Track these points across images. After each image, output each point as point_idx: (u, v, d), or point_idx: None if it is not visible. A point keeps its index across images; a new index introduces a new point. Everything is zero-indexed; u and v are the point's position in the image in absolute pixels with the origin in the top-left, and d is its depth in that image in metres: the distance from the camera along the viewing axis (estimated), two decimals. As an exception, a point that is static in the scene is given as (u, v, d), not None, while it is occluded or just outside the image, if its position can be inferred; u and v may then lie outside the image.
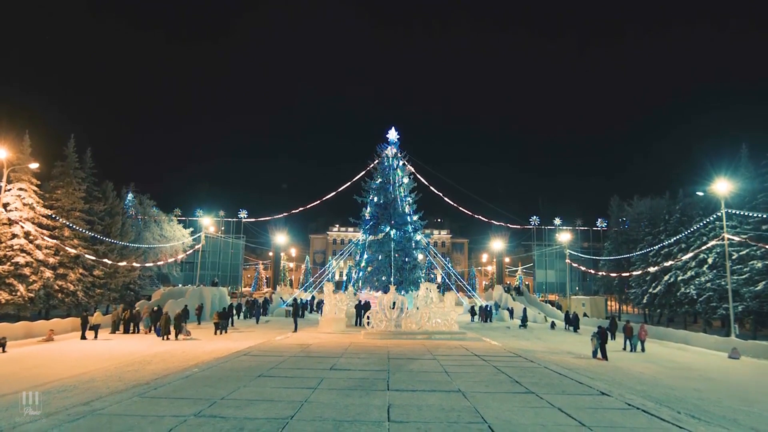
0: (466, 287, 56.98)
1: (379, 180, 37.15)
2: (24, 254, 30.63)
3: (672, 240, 37.95)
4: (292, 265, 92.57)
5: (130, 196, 49.49)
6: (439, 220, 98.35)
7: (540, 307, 44.99)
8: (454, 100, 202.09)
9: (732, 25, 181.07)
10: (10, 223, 30.47)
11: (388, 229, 35.41)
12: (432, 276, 63.81)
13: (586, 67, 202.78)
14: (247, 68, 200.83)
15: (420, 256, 40.65)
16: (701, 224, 34.98)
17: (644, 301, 44.55)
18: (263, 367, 12.77)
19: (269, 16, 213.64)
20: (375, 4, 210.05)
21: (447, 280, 51.64)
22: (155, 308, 26.11)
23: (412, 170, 39.68)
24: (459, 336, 22.78)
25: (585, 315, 40.66)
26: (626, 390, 11.61)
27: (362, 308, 27.08)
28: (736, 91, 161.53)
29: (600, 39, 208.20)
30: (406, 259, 35.55)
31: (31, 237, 31.21)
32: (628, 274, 43.75)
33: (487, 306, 37.94)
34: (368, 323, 23.72)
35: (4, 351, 17.27)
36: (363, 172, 39.39)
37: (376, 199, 36.84)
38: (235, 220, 65.73)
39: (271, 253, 79.52)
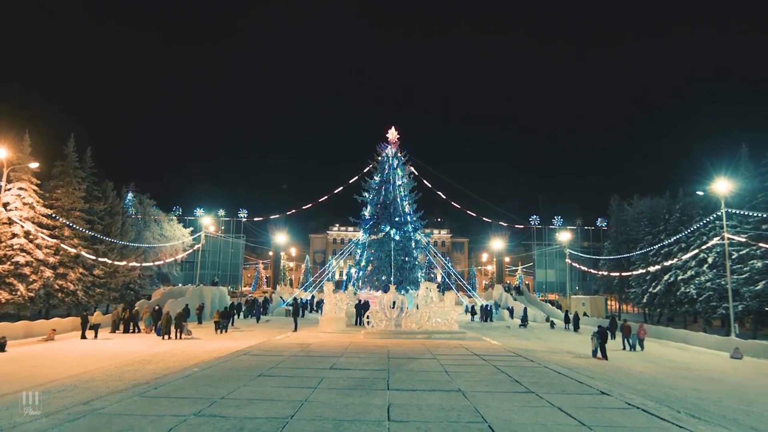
0: (466, 287, 56.97)
1: (379, 179, 37.19)
2: (24, 254, 30.64)
3: (672, 239, 37.94)
4: (292, 264, 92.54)
5: (130, 195, 49.49)
6: (438, 219, 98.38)
7: (540, 306, 45.00)
8: (454, 100, 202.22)
9: (732, 25, 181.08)
10: (10, 222, 30.47)
11: (388, 228, 35.43)
12: (432, 275, 63.81)
13: (586, 67, 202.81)
14: (247, 68, 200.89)
15: (420, 256, 40.71)
16: (701, 224, 34.99)
17: (644, 300, 44.56)
18: (263, 367, 12.78)
19: (269, 16, 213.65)
20: (375, 4, 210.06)
21: (447, 280, 51.66)
22: (156, 307, 26.13)
23: (412, 170, 39.72)
24: (459, 335, 22.79)
25: (585, 314, 40.63)
26: (626, 389, 11.61)
27: (362, 308, 27.09)
28: (736, 91, 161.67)
29: (600, 39, 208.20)
30: (406, 259, 35.60)
31: (31, 236, 31.21)
32: (628, 273, 43.75)
33: (487, 305, 37.95)
34: (368, 323, 23.74)
35: (3, 350, 17.27)
36: (363, 172, 39.46)
37: (376, 198, 36.88)
38: (235, 219, 65.76)
39: (271, 253, 79.52)
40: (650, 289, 43.05)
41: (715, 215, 31.47)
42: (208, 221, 53.82)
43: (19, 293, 29.74)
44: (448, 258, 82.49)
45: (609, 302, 58.48)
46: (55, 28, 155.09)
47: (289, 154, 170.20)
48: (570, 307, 42.59)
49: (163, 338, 21.82)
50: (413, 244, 36.68)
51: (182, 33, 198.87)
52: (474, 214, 52.72)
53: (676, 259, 37.87)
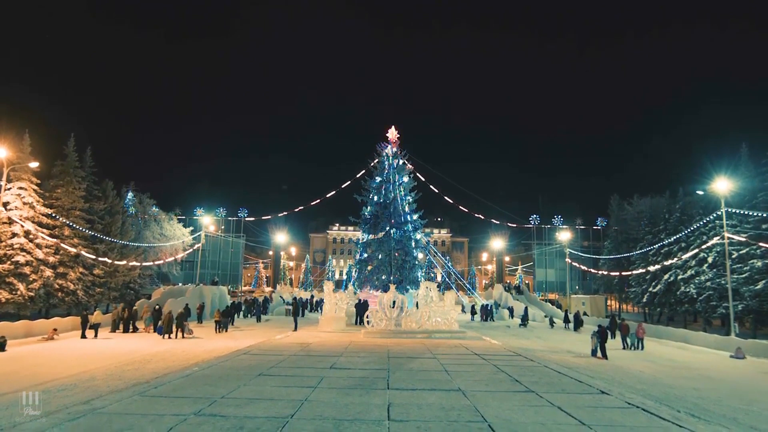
0: (466, 286, 57.04)
1: (379, 179, 37.14)
2: (24, 253, 30.64)
3: (672, 239, 37.94)
4: (292, 264, 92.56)
5: (130, 195, 49.44)
6: (439, 219, 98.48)
7: (540, 306, 45.00)
8: (454, 100, 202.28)
9: (732, 25, 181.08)
10: (10, 222, 30.46)
11: (388, 228, 35.40)
12: (432, 275, 63.83)
13: (586, 67, 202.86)
14: (247, 68, 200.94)
15: (420, 255, 40.66)
16: (701, 223, 34.99)
17: (644, 300, 44.57)
18: (263, 366, 12.78)
19: (269, 16, 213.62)
20: (375, 4, 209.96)
21: (447, 279, 51.68)
22: (156, 307, 26.14)
23: (412, 169, 39.68)
24: (459, 335, 22.78)
25: (585, 314, 40.69)
26: (626, 389, 11.62)
27: (362, 307, 27.10)
28: (736, 91, 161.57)
29: (600, 39, 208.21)
30: (406, 258, 35.54)
31: (31, 236, 31.21)
32: (628, 273, 43.76)
33: (487, 305, 37.94)
34: (368, 322, 23.74)
35: (3, 350, 17.27)
36: (363, 171, 39.44)
37: (376, 198, 36.83)
38: (235, 219, 65.75)
39: (271, 252, 79.57)
40: (650, 289, 43.06)
41: (715, 215, 31.47)
42: (208, 221, 53.83)
43: (19, 293, 29.75)
44: (448, 257, 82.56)
45: (609, 302, 58.51)
46: (55, 28, 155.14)
47: (289, 154, 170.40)
48: (570, 307, 42.61)
49: (165, 337, 21.82)
50: (413, 244, 36.63)
51: (182, 33, 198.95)
52: (474, 214, 52.71)
53: (676, 259, 37.88)
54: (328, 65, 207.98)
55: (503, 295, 45.35)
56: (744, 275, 33.43)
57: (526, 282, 72.49)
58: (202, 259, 46.85)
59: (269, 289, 70.13)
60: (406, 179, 37.66)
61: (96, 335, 21.91)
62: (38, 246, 31.46)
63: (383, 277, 34.37)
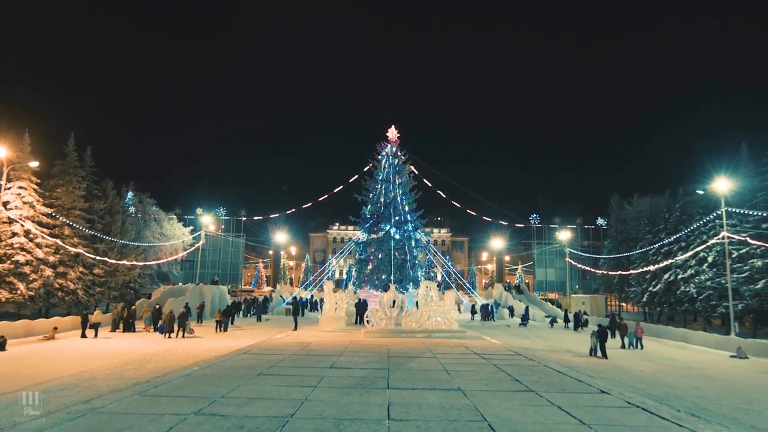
0: (466, 286, 57.02)
1: (379, 178, 37.15)
2: (24, 253, 30.64)
3: (672, 238, 37.93)
4: (292, 263, 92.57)
5: (130, 194, 49.40)
6: (439, 218, 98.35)
7: (540, 305, 45.00)
8: (454, 100, 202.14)
9: (732, 25, 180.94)
10: (10, 221, 30.47)
11: (388, 227, 35.41)
12: (432, 274, 63.79)
13: (586, 67, 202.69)
14: (247, 68, 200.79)
15: (420, 255, 40.67)
16: (701, 223, 34.99)
17: (644, 299, 44.58)
18: (263, 366, 12.78)
19: (269, 16, 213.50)
20: (375, 4, 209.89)
21: (447, 279, 51.68)
22: (156, 306, 26.16)
23: (412, 168, 39.69)
24: (459, 334, 22.79)
25: (585, 313, 40.74)
26: (626, 388, 11.62)
27: (362, 307, 27.13)
28: (736, 91, 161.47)
29: (600, 39, 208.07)
30: (406, 258, 35.56)
31: (31, 235, 31.22)
32: (628, 272, 43.77)
33: (487, 304, 37.95)
34: (368, 321, 23.75)
35: (4, 349, 17.28)
36: (363, 171, 39.44)
37: (376, 197, 36.85)
38: (235, 218, 65.71)
39: (271, 252, 79.55)
40: (650, 288, 43.06)
41: (715, 214, 31.47)
42: (208, 220, 53.79)
43: (19, 292, 29.75)
44: (448, 257, 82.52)
45: (609, 301, 58.51)
46: (55, 28, 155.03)
47: (289, 153, 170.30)
48: (570, 306, 42.61)
49: (166, 337, 21.82)
50: (413, 243, 36.65)
51: (182, 33, 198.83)
52: (474, 213, 52.70)
53: (676, 258, 37.89)
54: (328, 65, 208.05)
55: (503, 294, 45.36)
56: (744, 275, 33.43)
57: (526, 281, 72.47)
58: (202, 258, 46.84)
59: (269, 288, 70.15)
60: (406, 178, 37.66)
61: (96, 335, 21.92)
62: (38, 245, 31.46)
63: (383, 277, 34.38)
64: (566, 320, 33.48)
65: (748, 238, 30.77)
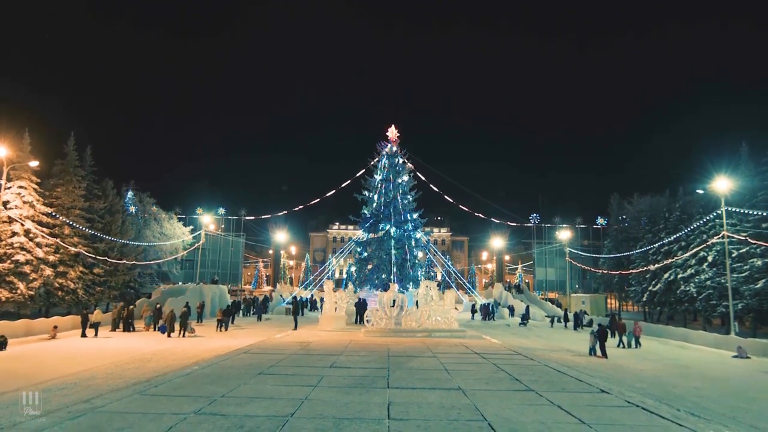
0: (466, 285, 57.04)
1: (379, 178, 37.15)
2: (24, 252, 30.62)
3: (672, 238, 37.91)
4: (292, 263, 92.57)
5: (130, 194, 49.36)
6: (439, 218, 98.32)
7: (540, 305, 45.01)
8: (454, 100, 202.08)
9: (732, 25, 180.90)
10: (10, 221, 30.46)
11: (388, 226, 35.43)
12: (432, 274, 63.78)
13: (586, 67, 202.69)
14: (247, 68, 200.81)
15: (420, 254, 40.67)
16: (701, 222, 34.97)
17: (644, 298, 44.56)
18: (263, 365, 12.79)
19: (269, 16, 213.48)
20: (375, 4, 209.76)
21: (447, 278, 51.70)
22: (157, 305, 26.17)
23: (412, 168, 39.70)
24: (459, 334, 22.79)
25: (585, 313, 40.77)
26: (626, 387, 11.62)
27: (362, 306, 27.15)
28: (736, 91, 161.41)
29: (600, 39, 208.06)
30: (406, 257, 35.57)
31: (31, 235, 31.20)
32: (628, 272, 43.77)
33: (488, 304, 37.96)
34: (368, 321, 23.75)
35: (4, 349, 17.28)
36: (363, 170, 39.46)
37: (376, 197, 36.85)
38: (235, 218, 65.67)
39: (271, 251, 79.50)
40: (650, 288, 43.04)
41: (715, 213, 31.45)
42: (208, 219, 53.78)
43: (19, 291, 29.74)
44: (448, 256, 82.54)
45: (609, 300, 58.49)
46: (55, 28, 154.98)
47: (289, 153, 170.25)
48: (570, 306, 42.61)
49: (168, 336, 21.83)
50: (413, 243, 36.66)
51: (182, 33, 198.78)
52: (474, 212, 52.66)
53: (675, 258, 37.88)
54: (328, 65, 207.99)
55: (503, 294, 45.37)
56: (744, 274, 33.42)
57: (526, 281, 72.45)
58: (202, 258, 46.82)
59: (269, 288, 70.15)
60: (406, 178, 37.67)
61: (96, 334, 21.93)
62: (38, 245, 31.45)
63: (383, 276, 34.40)
64: (566, 320, 33.48)
65: (748, 238, 30.77)
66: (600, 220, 65.72)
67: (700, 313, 40.27)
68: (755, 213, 32.19)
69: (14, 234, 30.62)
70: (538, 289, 65.44)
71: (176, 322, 22.36)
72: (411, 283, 34.82)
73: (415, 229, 37.17)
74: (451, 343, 19.69)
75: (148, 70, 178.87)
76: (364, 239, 37.05)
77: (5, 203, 29.65)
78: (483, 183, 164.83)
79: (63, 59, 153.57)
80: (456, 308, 39.50)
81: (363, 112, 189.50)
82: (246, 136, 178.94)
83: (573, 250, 50.15)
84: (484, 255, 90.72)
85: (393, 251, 35.01)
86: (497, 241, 64.79)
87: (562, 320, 34.36)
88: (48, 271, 31.47)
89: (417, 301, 26.05)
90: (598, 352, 18.85)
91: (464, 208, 50.39)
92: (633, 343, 22.51)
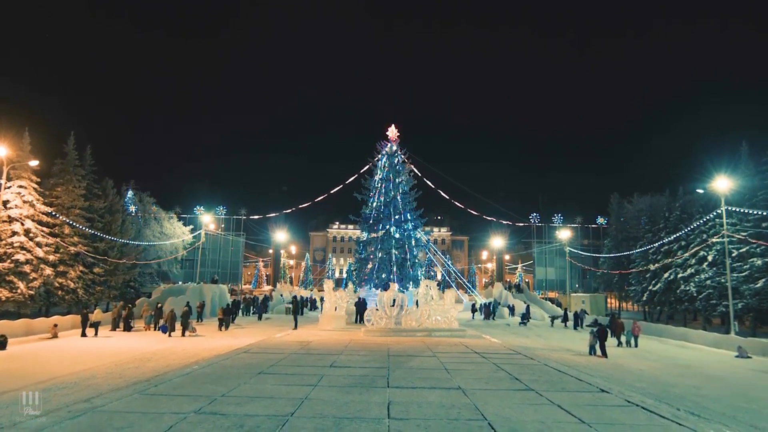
0: (466, 285, 57.04)
1: (379, 177, 37.14)
2: (24, 252, 30.62)
3: (672, 237, 37.90)
4: (292, 262, 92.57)
5: (130, 193, 49.38)
6: (439, 217, 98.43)
7: (540, 304, 44.99)
8: (454, 100, 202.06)
9: (732, 25, 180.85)
10: (10, 220, 30.45)
11: (388, 226, 35.44)
12: (432, 273, 63.83)
13: (586, 67, 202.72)
14: (247, 68, 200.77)
15: (420, 254, 40.69)
16: (701, 222, 34.96)
17: (644, 298, 44.56)
18: (263, 365, 12.79)
19: (269, 16, 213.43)
20: (375, 4, 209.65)
21: (447, 278, 51.70)
22: (158, 305, 26.18)
23: (412, 168, 39.72)
24: (459, 333, 22.79)
25: (585, 312, 40.77)
26: (625, 387, 11.62)
27: (362, 305, 27.16)
28: (736, 91, 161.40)
29: (600, 39, 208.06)
30: (406, 257, 35.58)
31: (31, 234, 31.20)
32: (628, 271, 43.77)
33: (489, 303, 37.96)
34: (368, 320, 23.76)
35: (4, 348, 17.27)
36: (363, 170, 39.47)
37: (376, 196, 36.85)
38: (235, 217, 65.69)
39: (271, 251, 79.52)
40: (650, 287, 43.05)
41: (715, 213, 31.43)
42: (208, 219, 53.79)
43: (19, 291, 29.74)
44: (448, 256, 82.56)
45: (609, 300, 58.50)
46: (55, 28, 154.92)
47: (289, 153, 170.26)
48: (570, 305, 42.59)
49: (168, 335, 21.82)
50: (413, 242, 36.68)
51: (182, 33, 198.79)
52: (474, 212, 52.68)
53: (676, 257, 37.88)
54: (328, 65, 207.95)
55: (503, 293, 45.36)
56: (744, 274, 33.41)
57: (526, 280, 72.46)
58: (202, 257, 46.82)
59: (269, 287, 70.17)
60: (406, 178, 37.67)
61: (96, 334, 21.92)
62: (38, 244, 31.44)
63: (383, 276, 34.41)
64: (566, 319, 33.47)
65: (747, 237, 30.77)
66: (600, 220, 65.78)
67: (700, 313, 40.28)
68: (755, 212, 32.18)
69: (14, 233, 30.61)
70: (538, 289, 65.45)
71: (176, 322, 22.36)
72: (411, 283, 34.82)
73: (415, 229, 37.18)
74: (451, 342, 19.69)
75: (148, 70, 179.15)
76: (364, 239, 37.06)
77: (5, 203, 29.64)
78: (483, 183, 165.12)
79: (63, 59, 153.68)
80: (471, 309, 39.77)
81: (363, 112, 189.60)
82: (246, 136, 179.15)
83: (573, 250, 50.17)
84: (484, 254, 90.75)
85: (393, 251, 35.01)
86: (497, 241, 64.79)
87: (562, 319, 34.34)
88: (48, 271, 31.47)
89: (417, 301, 26.06)
90: (598, 352, 18.84)
91: (464, 208, 50.42)
92: (632, 342, 22.53)
